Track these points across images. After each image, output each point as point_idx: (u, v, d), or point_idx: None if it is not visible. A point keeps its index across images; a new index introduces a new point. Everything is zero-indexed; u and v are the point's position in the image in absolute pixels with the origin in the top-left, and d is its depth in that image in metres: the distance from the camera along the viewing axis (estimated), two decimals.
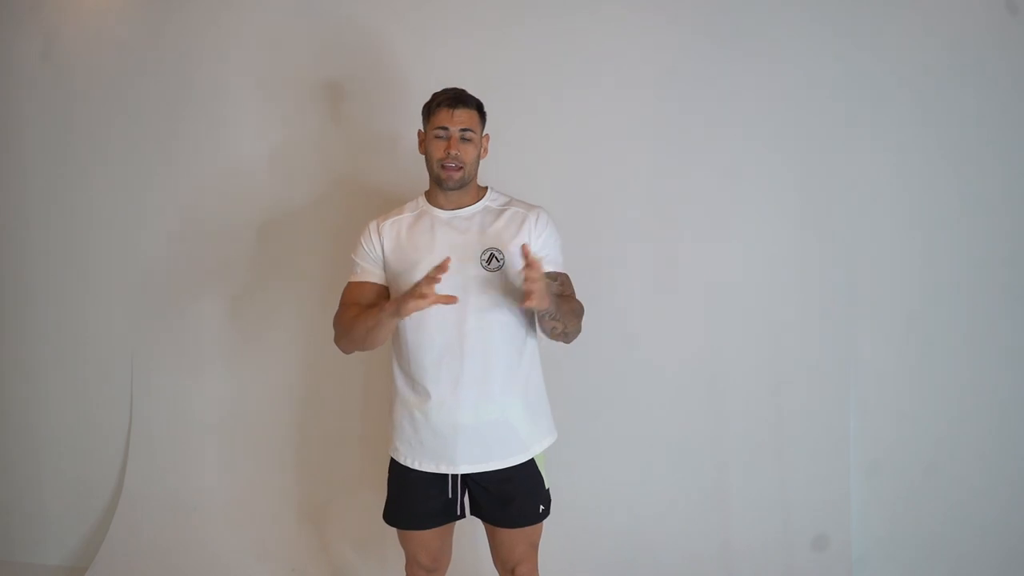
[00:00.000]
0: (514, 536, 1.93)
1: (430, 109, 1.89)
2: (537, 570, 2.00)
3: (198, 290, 2.78)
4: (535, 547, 1.98)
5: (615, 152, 2.54)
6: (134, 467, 2.84)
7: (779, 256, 2.48)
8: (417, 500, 1.92)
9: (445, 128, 1.85)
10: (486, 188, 1.97)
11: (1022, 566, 2.37)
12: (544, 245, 1.88)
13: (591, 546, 2.54)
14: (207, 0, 2.74)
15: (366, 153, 2.65)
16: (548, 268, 1.87)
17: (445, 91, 1.89)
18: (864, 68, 2.39)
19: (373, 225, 1.95)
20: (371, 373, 2.60)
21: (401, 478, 1.94)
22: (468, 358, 1.82)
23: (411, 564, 2.02)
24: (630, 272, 2.54)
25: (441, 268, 1.66)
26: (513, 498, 1.89)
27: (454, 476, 1.88)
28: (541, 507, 1.93)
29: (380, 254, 1.92)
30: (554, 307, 1.75)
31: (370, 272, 1.93)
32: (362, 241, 1.94)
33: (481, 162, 1.94)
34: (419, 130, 1.96)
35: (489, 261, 1.83)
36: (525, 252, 1.67)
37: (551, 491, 1.96)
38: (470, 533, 2.18)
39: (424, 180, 1.98)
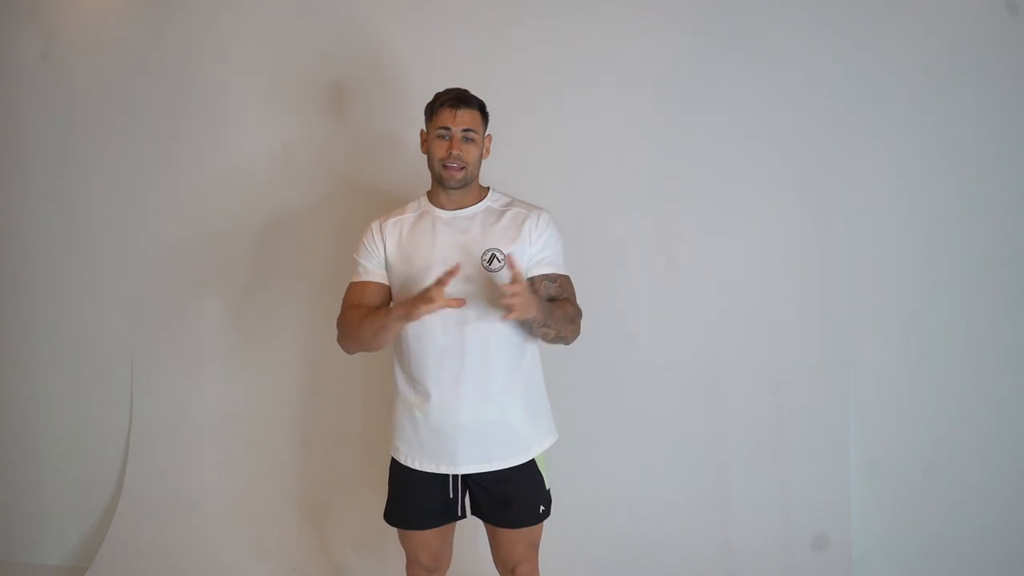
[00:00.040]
0: (514, 536, 1.93)
1: (433, 109, 1.89)
2: (537, 570, 2.00)
3: (198, 290, 2.78)
4: (535, 547, 1.98)
5: (615, 152, 2.54)
6: (134, 467, 2.84)
7: (779, 256, 2.48)
8: (418, 500, 1.92)
9: (447, 128, 1.85)
10: (488, 188, 1.97)
11: (1022, 566, 2.37)
12: (545, 246, 1.88)
13: (591, 546, 2.54)
14: (207, 0, 2.74)
15: (366, 153, 2.65)
16: (547, 270, 1.88)
17: (448, 91, 1.89)
18: (864, 68, 2.40)
19: (375, 225, 1.95)
20: (371, 373, 2.60)
21: (402, 478, 1.94)
22: (469, 358, 1.82)
23: (411, 564, 2.03)
24: (630, 272, 2.54)
25: (452, 273, 1.67)
26: (513, 498, 1.89)
27: (455, 476, 1.88)
28: (541, 507, 1.93)
29: (382, 254, 1.92)
30: (543, 314, 1.75)
31: (373, 272, 1.92)
32: (364, 241, 1.94)
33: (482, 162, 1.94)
34: (421, 130, 1.96)
35: (490, 262, 1.83)
36: (511, 264, 1.69)
37: (551, 491, 1.96)
38: (470, 533, 2.18)
39: (425, 180, 1.98)
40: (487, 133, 1.94)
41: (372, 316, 1.83)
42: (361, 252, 1.94)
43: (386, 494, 2.00)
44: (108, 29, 2.81)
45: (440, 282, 1.66)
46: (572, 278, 1.94)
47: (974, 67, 2.35)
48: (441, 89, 1.92)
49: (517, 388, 1.88)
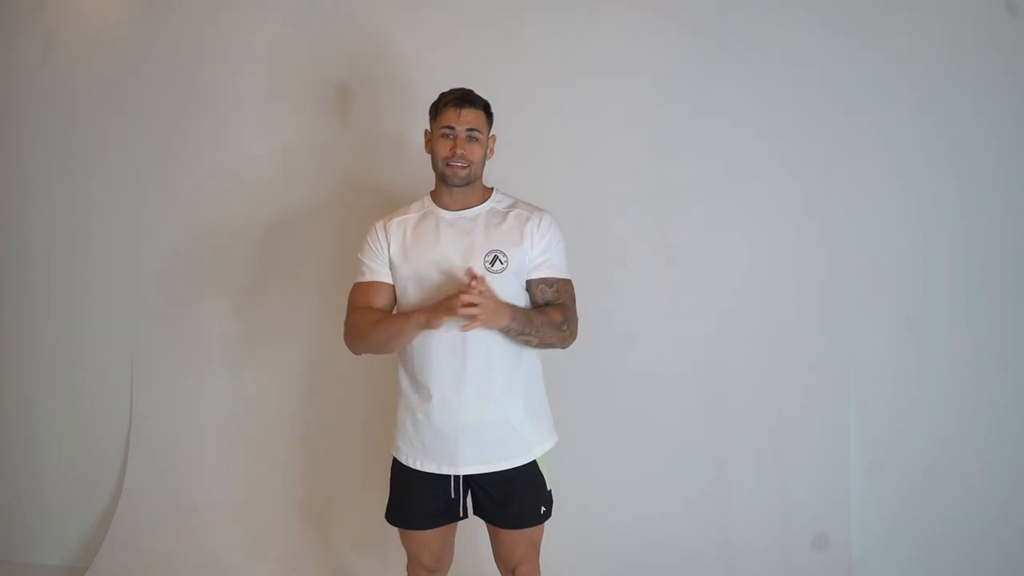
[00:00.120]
0: (515, 537, 1.93)
1: (437, 108, 1.89)
2: (538, 570, 2.00)
3: (198, 290, 2.78)
4: (536, 548, 1.98)
5: (615, 152, 2.54)
6: (134, 467, 2.84)
7: (779, 256, 2.48)
8: (419, 500, 1.92)
9: (451, 127, 1.85)
10: (491, 189, 1.97)
11: (1022, 566, 2.37)
12: (546, 249, 1.88)
13: (592, 546, 2.54)
14: (207, 0, 2.74)
15: (367, 153, 2.65)
16: (547, 273, 1.88)
17: (453, 91, 1.89)
18: (864, 68, 2.40)
19: (380, 224, 1.94)
20: (372, 372, 2.60)
21: (403, 478, 1.94)
22: (470, 359, 1.82)
23: (412, 564, 2.02)
24: (630, 272, 2.54)
25: (478, 280, 1.70)
26: (515, 499, 1.89)
27: (456, 477, 1.88)
28: (542, 508, 1.93)
29: (387, 253, 1.91)
30: (520, 323, 1.76)
31: (378, 272, 1.92)
32: (369, 241, 1.94)
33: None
34: (426, 129, 1.96)
35: (493, 263, 1.83)
36: (471, 275, 1.71)
37: (552, 492, 1.96)
38: (471, 533, 2.18)
39: (427, 180, 1.97)
40: (492, 134, 1.94)
41: (387, 321, 1.83)
42: (366, 252, 1.94)
43: (387, 494, 1.99)
44: (108, 29, 2.81)
45: (464, 291, 1.67)
46: (573, 279, 1.94)
47: (974, 67, 2.35)
48: (442, 89, 1.92)
49: (518, 389, 1.88)
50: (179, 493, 2.80)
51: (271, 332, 2.76)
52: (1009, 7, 2.33)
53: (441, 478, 1.88)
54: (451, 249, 1.84)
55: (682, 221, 2.52)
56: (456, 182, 1.87)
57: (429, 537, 1.96)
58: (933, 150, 2.40)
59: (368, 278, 1.92)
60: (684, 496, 2.54)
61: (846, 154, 2.42)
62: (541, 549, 2.00)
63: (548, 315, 1.83)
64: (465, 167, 1.86)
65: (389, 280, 1.92)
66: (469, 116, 1.86)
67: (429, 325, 1.73)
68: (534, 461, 1.91)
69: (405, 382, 1.92)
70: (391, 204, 2.05)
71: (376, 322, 1.84)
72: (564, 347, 1.89)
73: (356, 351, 1.92)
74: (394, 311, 1.93)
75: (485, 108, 1.91)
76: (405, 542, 2.00)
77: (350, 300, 1.93)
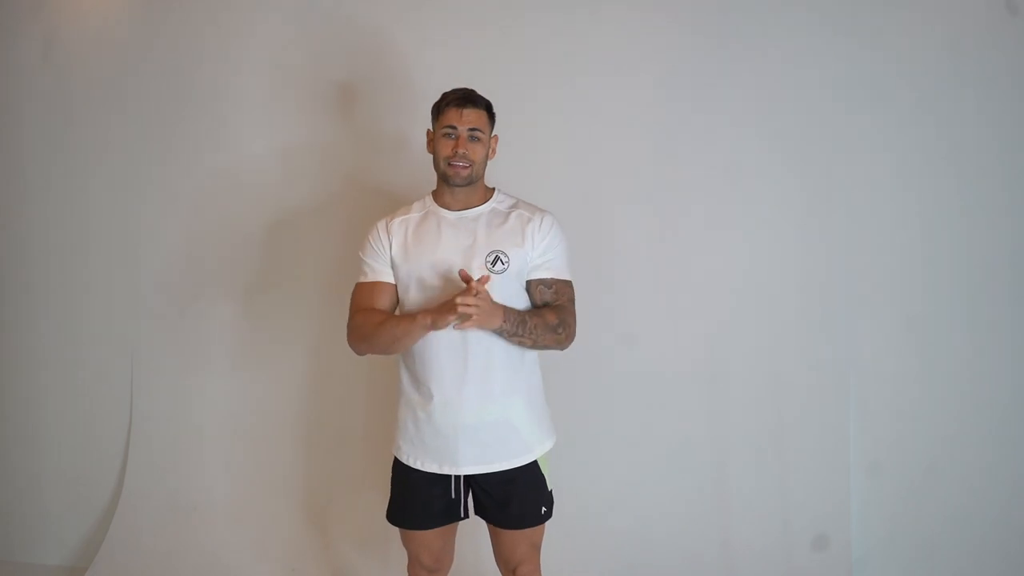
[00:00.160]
0: (516, 537, 1.93)
1: (439, 108, 1.89)
2: (539, 570, 2.00)
3: (198, 290, 2.78)
4: (537, 548, 1.98)
5: (615, 152, 2.54)
6: (134, 467, 2.83)
7: (779, 256, 2.49)
8: (420, 500, 1.92)
9: (453, 127, 1.85)
10: (493, 189, 1.97)
11: (1022, 566, 2.37)
12: (546, 250, 1.87)
13: (592, 546, 2.54)
14: (207, 0, 2.74)
15: (368, 153, 2.65)
16: (546, 275, 1.88)
17: (455, 91, 1.89)
18: (864, 68, 2.40)
19: (382, 224, 1.94)
20: (373, 372, 2.60)
21: (404, 477, 1.93)
22: (471, 358, 1.82)
23: (413, 564, 2.02)
24: (630, 272, 2.54)
25: (483, 280, 1.70)
26: (515, 499, 1.89)
27: (457, 477, 1.88)
28: (543, 508, 1.93)
29: (389, 253, 1.91)
30: (513, 325, 1.77)
31: (380, 272, 1.91)
32: (371, 240, 1.93)
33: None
34: (428, 129, 1.96)
35: (494, 263, 1.83)
36: (465, 278, 1.71)
37: (553, 492, 1.96)
38: (471, 533, 2.18)
39: (429, 180, 1.97)
40: (494, 134, 1.94)
41: (392, 322, 1.83)
42: (368, 251, 1.93)
43: (388, 494, 2.00)
44: (108, 29, 2.81)
45: (469, 294, 1.67)
46: (573, 280, 1.94)
47: (974, 67, 2.36)
48: (442, 89, 1.92)
49: (519, 389, 1.88)
50: (179, 493, 2.80)
51: (271, 332, 2.76)
52: (1009, 7, 2.33)
53: (442, 478, 1.88)
54: (452, 249, 1.84)
55: (682, 221, 2.52)
56: (458, 182, 1.87)
57: (430, 537, 1.96)
58: (933, 150, 2.40)
59: (370, 278, 1.92)
60: (684, 496, 2.54)
61: (846, 154, 2.42)
62: (542, 549, 2.00)
63: (543, 317, 1.83)
64: (467, 167, 1.86)
65: (391, 280, 1.91)
66: (471, 116, 1.86)
67: (435, 326, 1.73)
68: (535, 461, 1.91)
69: (407, 381, 1.92)
70: (391, 204, 2.05)
71: (381, 323, 1.83)
72: (560, 349, 1.89)
73: (360, 352, 1.92)
74: (396, 311, 1.93)
75: (487, 108, 1.91)
76: (406, 542, 2.00)
77: (353, 301, 1.92)
